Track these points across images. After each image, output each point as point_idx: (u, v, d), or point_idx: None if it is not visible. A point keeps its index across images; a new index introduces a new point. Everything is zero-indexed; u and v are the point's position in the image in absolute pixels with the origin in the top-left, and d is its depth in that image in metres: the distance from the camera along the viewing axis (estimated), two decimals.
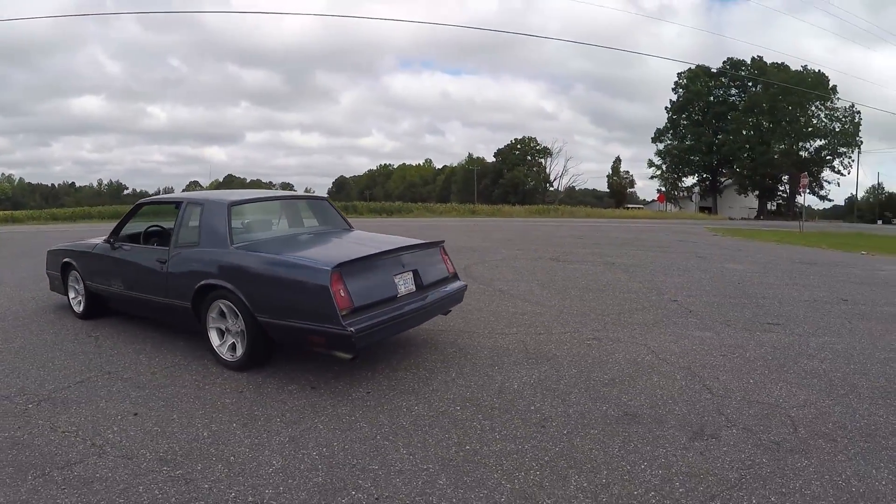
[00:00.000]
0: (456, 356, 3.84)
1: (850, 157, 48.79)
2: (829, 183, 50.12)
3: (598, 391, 3.19)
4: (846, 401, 3.01)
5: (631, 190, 69.59)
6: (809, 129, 47.91)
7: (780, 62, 48.00)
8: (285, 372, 3.45)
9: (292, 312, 3.12)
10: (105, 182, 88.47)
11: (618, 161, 67.26)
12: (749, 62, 49.32)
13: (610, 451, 2.47)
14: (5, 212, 33.35)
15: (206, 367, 3.58)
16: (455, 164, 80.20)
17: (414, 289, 3.60)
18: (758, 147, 47.94)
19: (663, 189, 54.95)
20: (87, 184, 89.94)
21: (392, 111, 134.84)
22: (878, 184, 59.94)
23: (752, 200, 53.32)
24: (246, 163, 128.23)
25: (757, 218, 47.28)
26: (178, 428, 2.71)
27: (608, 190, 67.62)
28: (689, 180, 56.42)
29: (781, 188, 52.09)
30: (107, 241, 4.42)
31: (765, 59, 48.47)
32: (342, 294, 3.00)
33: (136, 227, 4.62)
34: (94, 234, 5.71)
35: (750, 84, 49.63)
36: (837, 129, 47.61)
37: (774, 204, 53.75)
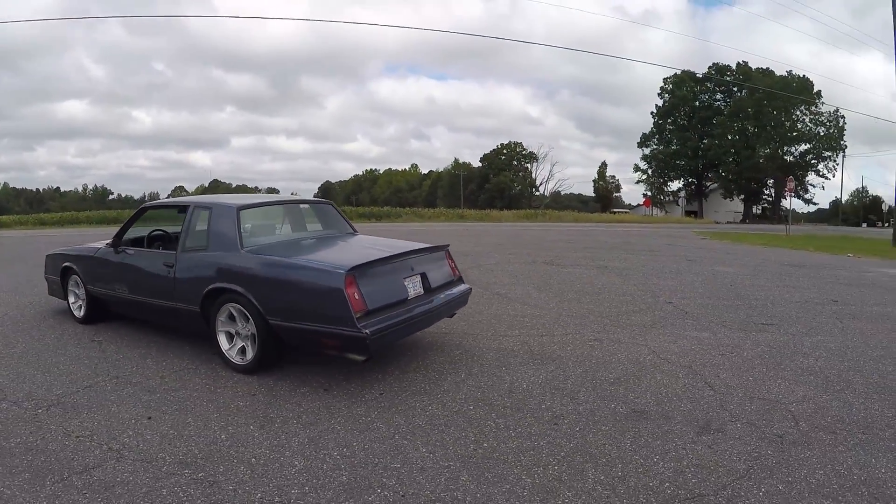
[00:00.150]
0: (463, 358, 3.90)
1: (834, 161, 49.96)
2: (814, 187, 51.35)
3: (604, 390, 3.28)
4: (842, 396, 3.14)
5: (617, 194, 70.62)
6: (794, 134, 48.93)
7: (764, 67, 49.09)
8: (296, 375, 3.48)
9: (306, 315, 3.16)
10: (90, 187, 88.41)
11: (604, 166, 68.37)
12: (734, 67, 50.30)
13: (622, 446, 2.56)
14: None
15: (215, 370, 3.59)
16: (441, 170, 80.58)
17: (422, 292, 3.66)
18: (743, 151, 48.81)
19: (649, 193, 55.81)
20: (73, 188, 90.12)
21: (378, 116, 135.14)
22: (862, 187, 61.56)
23: (737, 204, 54.31)
24: (231, 168, 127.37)
25: (742, 221, 48.18)
26: (194, 431, 2.72)
27: (594, 194, 68.41)
28: (675, 184, 57.47)
29: (767, 192, 53.16)
30: (110, 245, 4.39)
31: (750, 65, 49.52)
32: (356, 297, 3.05)
33: (137, 231, 4.60)
34: (85, 239, 5.69)
35: (735, 89, 50.58)
36: (822, 134, 48.68)
37: (760, 208, 54.78)
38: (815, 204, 53.93)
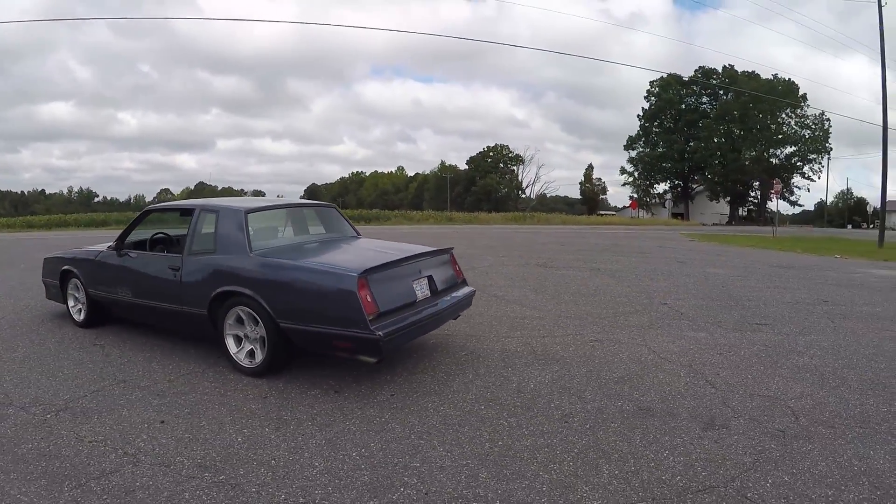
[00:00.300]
0: (468, 359, 3.96)
1: (819, 164, 50.88)
2: (800, 189, 52.33)
3: (610, 388, 3.37)
4: (838, 392, 3.26)
5: (603, 197, 71.30)
6: (780, 136, 49.78)
7: (750, 70, 49.95)
8: (305, 377, 3.50)
9: (318, 318, 3.19)
10: (75, 189, 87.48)
11: (590, 168, 68.98)
12: (720, 71, 51.06)
13: (632, 441, 2.64)
14: None
15: (223, 373, 3.59)
16: (427, 172, 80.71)
17: (429, 294, 3.71)
18: (729, 154, 49.58)
19: (636, 196, 56.46)
20: (58, 191, 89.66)
21: (364, 119, 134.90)
22: (847, 189, 62.46)
23: (723, 206, 55.14)
24: (217, 170, 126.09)
25: (728, 223, 48.96)
26: (209, 434, 2.73)
27: (581, 197, 69.00)
28: (662, 187, 58.17)
29: (752, 194, 54.05)
30: (112, 248, 4.36)
31: (736, 68, 50.38)
32: (368, 299, 3.09)
33: (138, 234, 4.57)
34: (78, 242, 5.66)
35: (721, 92, 51.32)
36: (807, 136, 49.56)
37: (745, 210, 55.67)
38: (800, 206, 55.04)
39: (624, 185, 58.55)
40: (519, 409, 3.05)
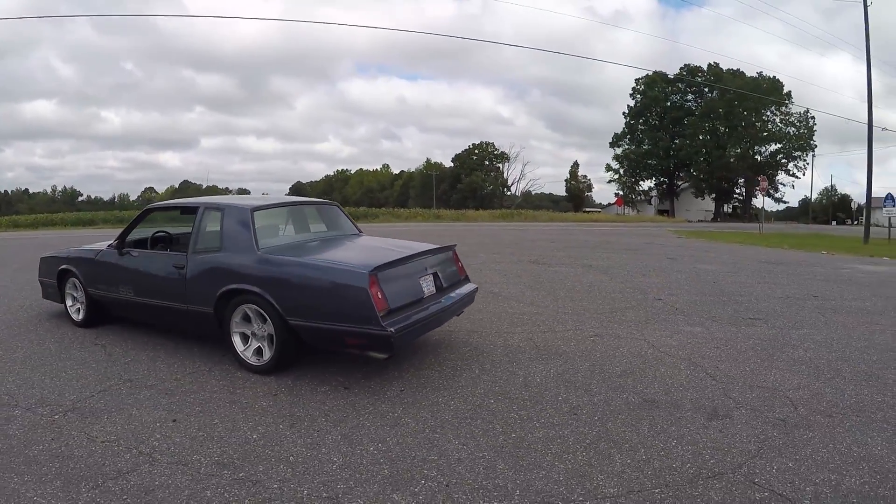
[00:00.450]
0: (473, 354, 4.01)
1: (804, 161, 51.67)
2: (784, 186, 53.04)
3: (614, 381, 3.45)
4: (834, 383, 3.39)
5: (588, 194, 71.82)
6: (765, 134, 50.45)
7: (735, 68, 50.39)
8: (313, 374, 3.51)
9: (329, 315, 3.20)
10: (59, 188, 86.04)
11: (576, 165, 69.29)
12: (705, 68, 51.48)
13: (641, 432, 2.72)
14: None
15: (229, 371, 3.59)
16: (413, 170, 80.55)
17: (435, 290, 3.75)
18: (714, 151, 50.09)
19: (621, 193, 57.04)
20: (41, 190, 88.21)
21: (348, 116, 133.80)
22: (831, 186, 63.59)
23: (708, 203, 55.83)
24: (201, 168, 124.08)
25: (714, 220, 49.62)
26: (223, 432, 2.74)
27: (566, 194, 69.48)
28: (647, 184, 58.71)
29: (738, 191, 54.80)
30: (113, 247, 4.32)
31: (721, 66, 50.74)
32: (379, 296, 3.12)
33: (138, 233, 4.52)
34: (71, 241, 5.57)
35: (706, 90, 51.74)
36: (793, 134, 50.28)
37: (730, 206, 56.45)
38: (784, 203, 55.77)
39: (609, 182, 59.15)
40: (528, 402, 3.11)
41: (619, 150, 56.70)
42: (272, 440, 2.64)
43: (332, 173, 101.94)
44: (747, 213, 50.77)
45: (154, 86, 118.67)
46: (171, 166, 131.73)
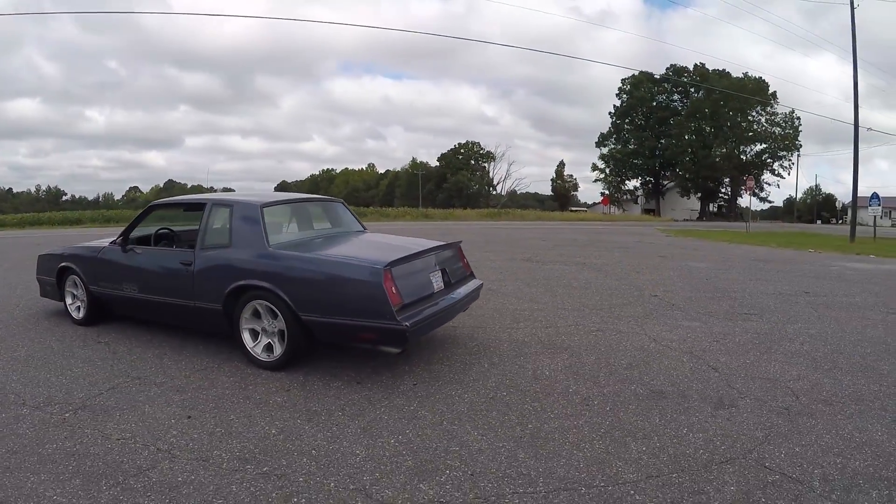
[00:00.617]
0: (480, 349, 4.06)
1: (789, 160, 52.33)
2: (770, 185, 53.69)
3: (621, 374, 3.53)
4: (832, 374, 3.52)
5: (574, 193, 72.42)
6: (751, 134, 50.99)
7: (721, 69, 50.84)
8: (324, 370, 3.53)
9: (342, 310, 3.22)
10: (43, 188, 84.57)
11: (562, 165, 69.78)
12: (691, 69, 51.98)
13: (652, 421, 2.80)
14: None
15: (239, 367, 3.58)
16: (398, 169, 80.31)
17: (443, 286, 3.80)
18: (700, 151, 50.47)
19: (607, 192, 57.51)
20: (25, 190, 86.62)
21: (333, 116, 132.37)
22: (816, 185, 64.14)
23: (694, 202, 56.42)
24: (186, 168, 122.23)
25: (699, 219, 50.20)
26: (241, 427, 2.74)
27: (552, 193, 69.92)
28: (633, 183, 59.17)
29: (723, 190, 55.55)
30: (117, 244, 4.27)
31: (707, 66, 51.27)
32: (394, 291, 3.15)
33: (140, 230, 4.48)
34: (56, 240, 5.47)
35: (692, 90, 52.11)
36: (778, 134, 50.91)
37: (716, 205, 57.21)
38: (770, 202, 56.51)
39: (595, 181, 59.54)
40: (540, 394, 3.17)
41: (605, 150, 57.09)
42: (292, 434, 2.66)
43: (318, 172, 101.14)
44: (732, 212, 51.54)
45: (138, 84, 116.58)
46: (156, 165, 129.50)
